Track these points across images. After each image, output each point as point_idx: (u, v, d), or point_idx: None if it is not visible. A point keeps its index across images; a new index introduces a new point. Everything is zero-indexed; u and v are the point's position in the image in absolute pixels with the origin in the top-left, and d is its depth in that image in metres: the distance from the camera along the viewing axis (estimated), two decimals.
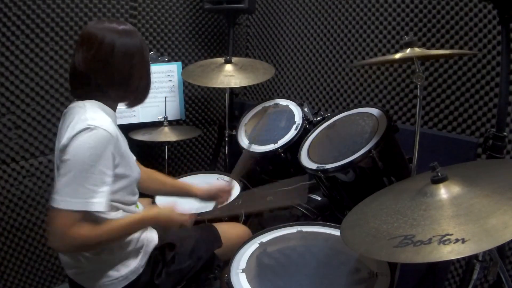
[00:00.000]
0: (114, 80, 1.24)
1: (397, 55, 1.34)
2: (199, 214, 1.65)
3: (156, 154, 2.67)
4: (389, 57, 1.35)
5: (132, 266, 1.33)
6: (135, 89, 1.30)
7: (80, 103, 1.24)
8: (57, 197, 1.10)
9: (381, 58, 1.38)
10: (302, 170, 1.75)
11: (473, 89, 1.89)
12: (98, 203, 1.12)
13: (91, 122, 1.14)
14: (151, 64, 2.27)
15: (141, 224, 1.31)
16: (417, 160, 1.47)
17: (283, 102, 2.19)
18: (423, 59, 1.30)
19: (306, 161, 1.70)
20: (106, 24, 1.24)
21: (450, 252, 0.85)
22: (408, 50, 1.35)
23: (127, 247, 1.31)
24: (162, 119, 2.32)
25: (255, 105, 2.27)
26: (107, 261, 1.28)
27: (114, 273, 1.29)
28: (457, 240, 0.87)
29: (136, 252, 1.34)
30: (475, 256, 1.30)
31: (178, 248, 1.46)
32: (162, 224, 1.36)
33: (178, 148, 2.83)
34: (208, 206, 1.81)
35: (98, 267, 1.28)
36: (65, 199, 1.09)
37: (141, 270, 1.35)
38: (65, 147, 1.13)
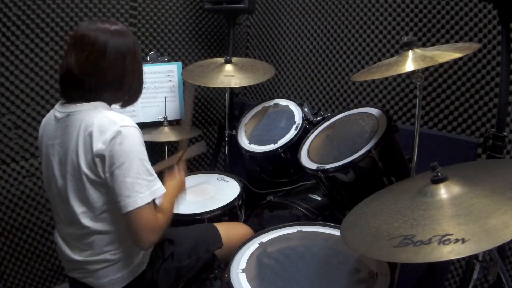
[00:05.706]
0: (107, 82, 1.24)
1: (405, 68, 1.29)
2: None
3: (156, 154, 2.67)
4: (392, 68, 1.32)
5: (135, 262, 1.33)
6: (128, 90, 1.31)
7: (85, 105, 1.24)
8: (129, 200, 1.16)
9: (384, 72, 1.34)
10: (302, 170, 1.75)
11: (473, 89, 1.89)
12: (159, 187, 1.23)
13: (122, 123, 1.19)
14: (151, 64, 2.33)
15: (173, 198, 1.40)
16: (417, 160, 1.47)
17: (283, 102, 2.19)
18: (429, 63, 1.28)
19: (306, 161, 1.70)
20: (99, 24, 1.24)
21: (450, 252, 0.86)
22: (410, 57, 1.34)
23: (129, 244, 1.31)
24: (162, 119, 2.32)
25: (255, 105, 2.27)
26: (111, 260, 1.29)
27: (118, 271, 1.30)
28: (457, 240, 0.87)
29: (138, 249, 1.34)
30: (475, 256, 1.29)
31: (178, 246, 1.47)
32: (177, 192, 1.45)
33: (178, 148, 2.82)
34: (208, 205, 1.82)
35: (102, 266, 1.28)
36: (138, 196, 1.17)
37: (144, 266, 1.36)
38: (105, 152, 1.16)
